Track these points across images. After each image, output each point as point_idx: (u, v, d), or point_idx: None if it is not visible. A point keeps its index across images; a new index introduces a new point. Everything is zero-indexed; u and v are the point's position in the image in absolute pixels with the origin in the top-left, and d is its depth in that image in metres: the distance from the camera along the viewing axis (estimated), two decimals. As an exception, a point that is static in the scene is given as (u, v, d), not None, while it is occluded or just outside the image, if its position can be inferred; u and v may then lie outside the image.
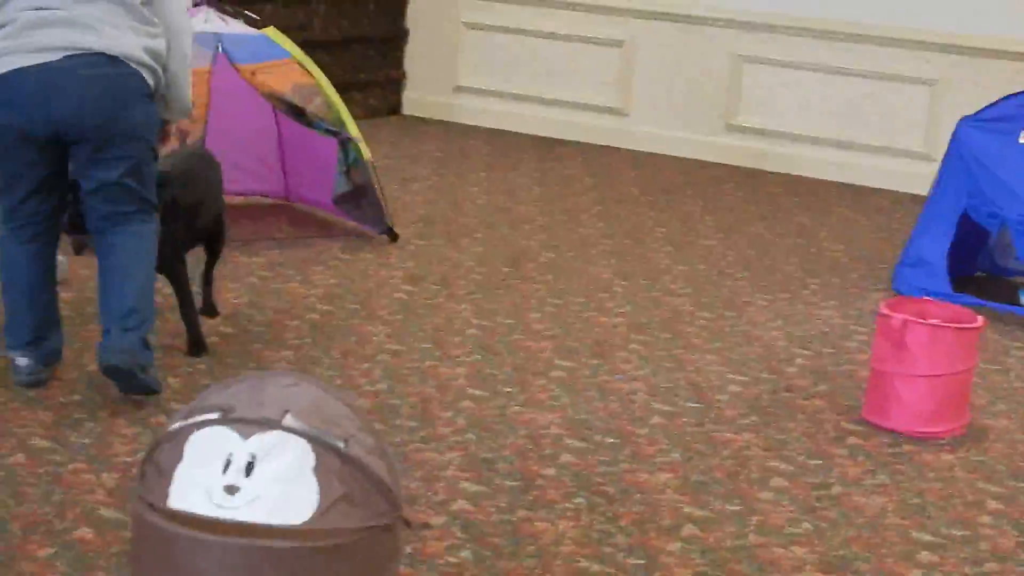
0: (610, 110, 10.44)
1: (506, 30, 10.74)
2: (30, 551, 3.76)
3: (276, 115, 7.27)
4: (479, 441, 4.75)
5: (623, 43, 10.35)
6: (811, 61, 9.62)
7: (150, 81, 4.74)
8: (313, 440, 3.05)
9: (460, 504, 4.24)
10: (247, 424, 3.06)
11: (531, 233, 7.58)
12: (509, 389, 5.24)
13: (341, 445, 3.07)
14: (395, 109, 11.21)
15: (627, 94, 10.37)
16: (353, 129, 7.11)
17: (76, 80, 4.57)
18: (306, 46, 10.32)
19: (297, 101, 7.03)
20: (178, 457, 3.09)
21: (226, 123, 6.88)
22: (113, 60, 4.62)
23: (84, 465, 4.34)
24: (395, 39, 11.17)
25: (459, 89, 11.02)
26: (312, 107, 7.06)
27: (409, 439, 4.72)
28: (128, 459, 4.36)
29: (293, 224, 7.36)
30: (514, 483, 4.42)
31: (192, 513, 3.00)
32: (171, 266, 5.25)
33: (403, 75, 11.24)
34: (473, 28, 10.89)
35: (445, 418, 4.92)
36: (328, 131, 7.07)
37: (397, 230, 7.29)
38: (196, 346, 5.36)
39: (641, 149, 10.15)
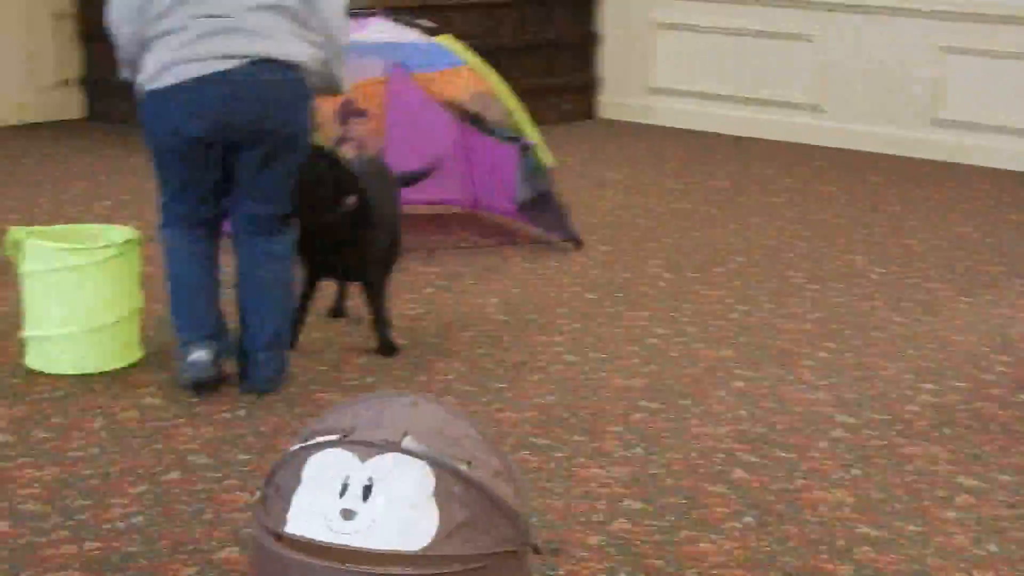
0: (805, 107, 10.10)
1: (699, 29, 10.50)
2: (174, 570, 3.68)
3: (458, 123, 7.10)
4: (647, 456, 4.52)
5: (813, 37, 9.99)
6: (1016, 50, 9.14)
7: (311, 87, 4.84)
8: (433, 462, 2.88)
9: (620, 523, 4.04)
10: (365, 447, 2.91)
11: (723, 236, 7.32)
12: (685, 401, 5.00)
13: (463, 467, 2.91)
14: (589, 113, 11.04)
15: (822, 90, 10.01)
16: (533, 135, 6.94)
17: (259, 86, 4.66)
18: (495, 52, 10.27)
19: (477, 108, 6.88)
20: (296, 481, 2.95)
21: (406, 133, 6.77)
22: (289, 66, 4.71)
23: (238, 482, 4.25)
24: (587, 43, 10.98)
25: (654, 91, 10.81)
26: (491, 114, 6.92)
27: (574, 453, 4.52)
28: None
29: (477, 233, 7.22)
30: (680, 501, 4.18)
31: (308, 539, 2.85)
32: (375, 274, 5.30)
33: (597, 79, 11.04)
34: (666, 28, 10.67)
35: (614, 432, 4.72)
36: (508, 138, 6.93)
37: (585, 237, 7.10)
38: (387, 348, 5.36)
39: (838, 146, 9.78)
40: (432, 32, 6.86)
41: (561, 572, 3.72)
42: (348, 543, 2.83)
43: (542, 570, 3.66)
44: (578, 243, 7.00)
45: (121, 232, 5.25)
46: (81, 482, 4.19)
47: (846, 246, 7.17)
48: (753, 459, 4.52)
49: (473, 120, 6.89)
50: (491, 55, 10.12)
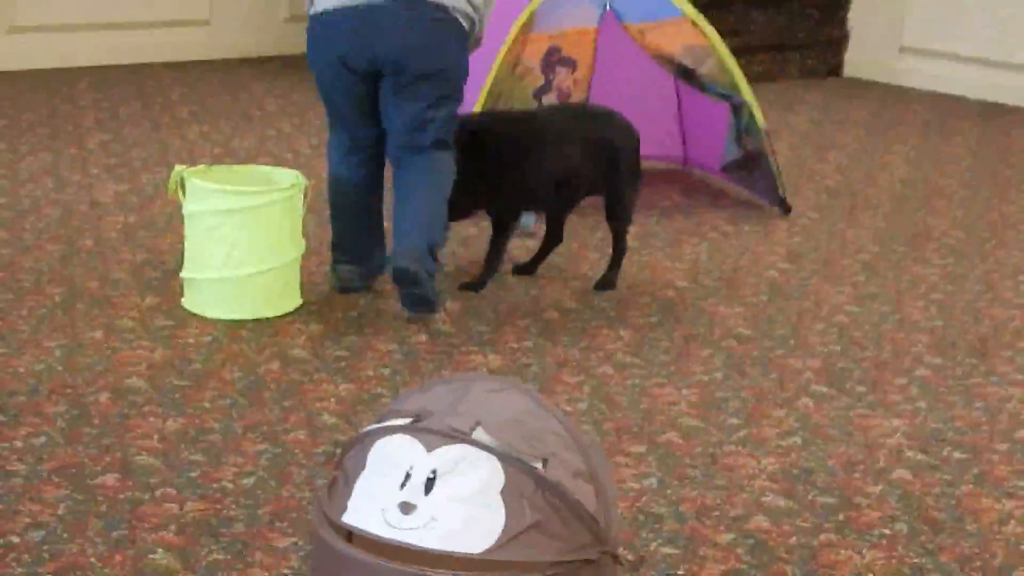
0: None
1: (957, -14, 9.90)
2: (271, 539, 3.50)
3: (670, 77, 6.78)
4: (804, 447, 4.19)
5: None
6: None
7: (466, 27, 4.95)
8: (504, 458, 2.62)
9: (757, 521, 3.73)
10: (432, 435, 2.66)
11: (945, 210, 6.86)
12: (861, 388, 4.65)
13: (538, 465, 2.64)
14: (835, 71, 10.55)
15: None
16: (747, 93, 6.58)
17: (400, 20, 4.81)
18: (739, 3, 9.91)
19: (688, 63, 6.55)
20: (361, 466, 2.73)
21: (613, 86, 6.47)
22: (437, 7, 4.86)
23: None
24: (838, -3, 10.48)
25: (904, 50, 10.27)
26: (704, 69, 6.57)
27: (726, 439, 4.20)
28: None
29: (683, 192, 6.91)
30: (829, 500, 3.86)
31: (361, 531, 2.63)
32: (502, 211, 5.29)
33: (846, 35, 10.55)
34: (923, -16, 10.10)
35: (775, 417, 4.39)
36: (721, 95, 6.57)
37: (796, 202, 6.74)
38: (473, 285, 5.35)
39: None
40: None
41: (680, 572, 3.43)
42: (403, 540, 2.59)
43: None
44: (786, 208, 6.64)
45: (287, 176, 5.09)
46: (202, 437, 4.04)
47: (1079, 228, 6.64)
48: (921, 458, 4.15)
49: (684, 75, 6.54)
50: (726, 5, 9.85)
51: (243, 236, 4.86)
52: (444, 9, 4.88)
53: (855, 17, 10.48)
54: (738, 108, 6.62)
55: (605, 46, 6.69)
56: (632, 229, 5.95)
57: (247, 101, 8.48)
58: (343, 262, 5.18)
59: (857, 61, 10.51)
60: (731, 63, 6.57)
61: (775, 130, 8.45)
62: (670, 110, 7.10)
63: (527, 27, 6.39)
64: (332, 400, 4.35)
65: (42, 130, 7.47)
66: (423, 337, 4.87)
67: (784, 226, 6.44)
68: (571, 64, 6.61)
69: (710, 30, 6.58)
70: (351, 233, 5.16)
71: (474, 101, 6.30)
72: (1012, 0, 9.64)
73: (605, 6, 6.56)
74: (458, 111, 5.04)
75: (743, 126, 6.67)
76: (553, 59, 6.55)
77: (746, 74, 9.98)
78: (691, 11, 6.57)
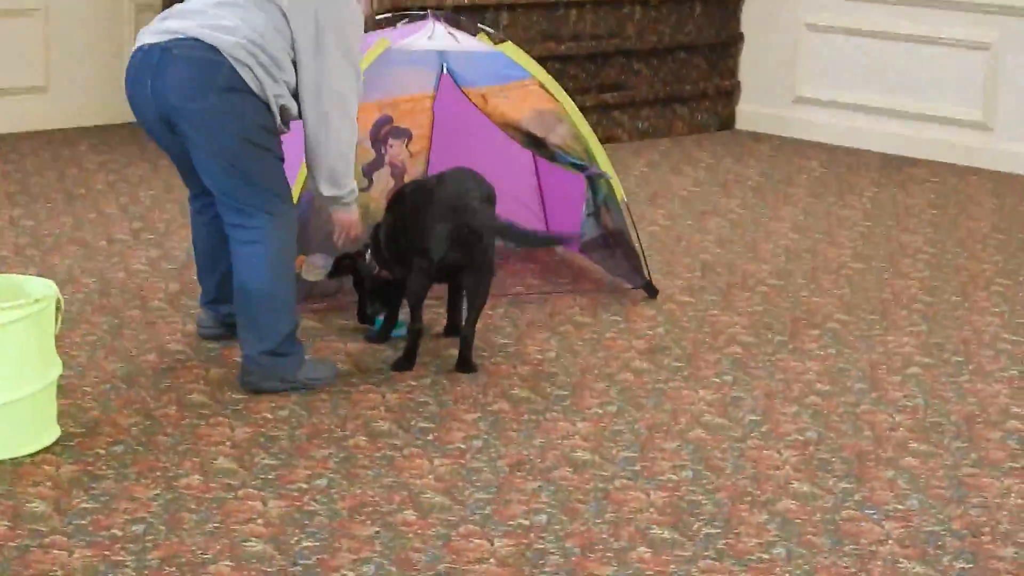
0: (971, 124, 8.75)
1: (853, 32, 9.24)
2: (353, 530, 3.77)
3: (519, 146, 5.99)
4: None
5: (990, 46, 8.64)
6: None
7: (244, 76, 4.54)
8: None
9: (785, 503, 4.00)
10: None
11: (831, 287, 6.12)
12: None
13: None
14: (726, 124, 9.82)
15: (992, 105, 8.65)
16: (604, 163, 5.82)
17: (171, 61, 4.55)
18: (620, 55, 9.16)
19: (537, 131, 5.76)
20: None
21: (457, 158, 5.62)
22: (210, 48, 4.52)
23: (419, 450, 4.28)
24: (727, 45, 9.76)
25: (799, 100, 9.56)
26: (555, 138, 5.80)
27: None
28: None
29: (542, 274, 6.10)
30: (847, 485, 4.12)
31: None
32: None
33: (736, 85, 9.82)
34: (816, 30, 9.43)
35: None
36: (574, 165, 5.80)
37: (665, 282, 5.97)
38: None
39: (1006, 170, 8.45)
40: (495, 39, 5.73)
41: (720, 544, 3.74)
42: None
43: None
44: (652, 292, 5.86)
45: (38, 287, 4.28)
46: (272, 444, 4.29)
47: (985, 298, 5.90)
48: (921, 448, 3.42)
49: (533, 144, 5.77)
50: (619, 57, 9.10)
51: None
52: (216, 51, 4.53)
53: (745, 66, 9.77)
54: (594, 180, 5.85)
55: (444, 114, 5.90)
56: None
57: (74, 178, 7.61)
58: (202, 307, 5.16)
59: (750, 113, 9.79)
60: (585, 129, 5.83)
61: (656, 194, 7.70)
62: (527, 181, 6.32)
63: (352, 95, 5.58)
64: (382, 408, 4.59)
65: None
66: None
67: (649, 313, 5.67)
68: (405, 135, 5.83)
69: (561, 93, 5.82)
70: (203, 280, 5.11)
71: (292, 181, 5.49)
72: (909, 47, 8.93)
73: (441, 69, 5.77)
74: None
75: (601, 200, 5.91)
76: (384, 131, 5.76)
77: (632, 131, 9.25)
78: (539, 72, 5.81)
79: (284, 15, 4.56)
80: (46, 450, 4.20)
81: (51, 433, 4.27)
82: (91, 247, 6.32)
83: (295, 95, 4.64)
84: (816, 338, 5.44)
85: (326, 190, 4.73)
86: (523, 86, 5.82)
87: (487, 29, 5.84)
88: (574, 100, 8.84)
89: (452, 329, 5.26)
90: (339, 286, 5.64)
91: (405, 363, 4.95)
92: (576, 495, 4.05)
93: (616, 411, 4.68)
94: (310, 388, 4.72)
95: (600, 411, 4.68)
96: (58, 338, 4.75)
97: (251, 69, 4.51)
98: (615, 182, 5.85)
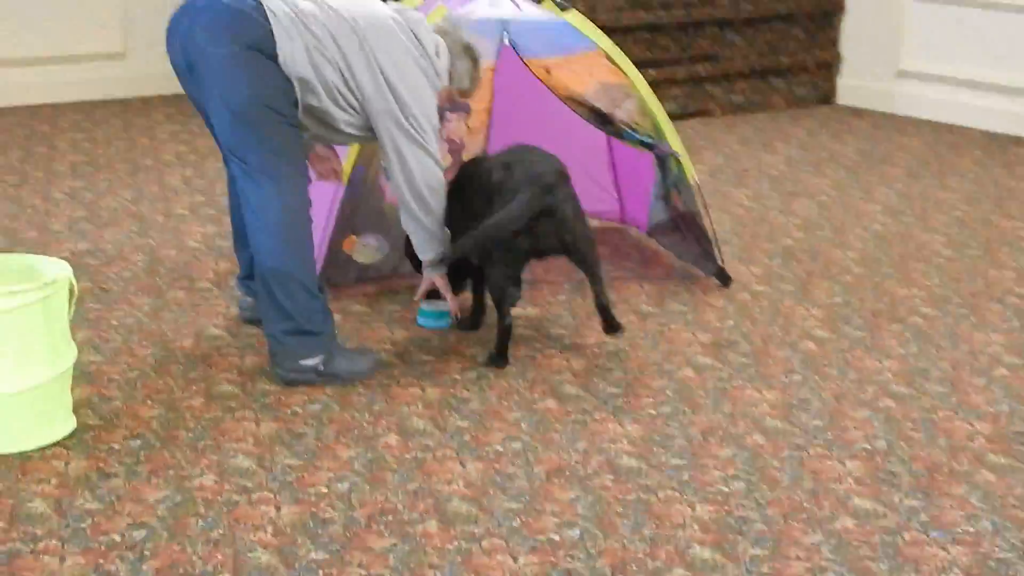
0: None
1: (961, 2, 8.74)
2: (369, 541, 3.51)
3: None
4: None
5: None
6: None
7: (282, 49, 4.27)
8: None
9: (843, 522, 3.66)
10: None
11: (921, 276, 5.73)
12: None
13: None
14: (826, 98, 9.38)
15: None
16: (675, 141, 5.45)
17: (214, 3, 4.30)
18: (712, 24, 8.76)
19: (603, 105, 5.41)
20: None
21: (519, 133, 5.29)
22: (259, 7, 4.29)
23: (452, 452, 3.99)
24: (829, 15, 9.30)
25: (902, 74, 9.09)
26: (622, 113, 5.44)
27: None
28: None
29: (611, 258, 5.73)
30: (914, 502, 3.76)
31: None
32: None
33: (837, 58, 9.37)
34: (922, 0, 8.91)
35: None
36: (642, 143, 5.43)
37: (741, 269, 5.61)
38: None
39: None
40: (563, 7, 5.39)
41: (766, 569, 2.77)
42: None
43: None
44: (725, 280, 5.50)
45: (51, 268, 4.02)
46: (296, 442, 4.05)
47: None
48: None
49: (599, 119, 5.41)
50: (703, 28, 8.71)
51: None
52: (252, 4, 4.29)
53: (847, 38, 9.31)
54: (664, 160, 5.49)
55: (505, 87, 5.57)
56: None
57: (143, 148, 7.40)
58: (237, 284, 4.92)
59: (851, 87, 9.35)
60: (654, 104, 5.46)
61: (744, 173, 7.32)
62: (599, 158, 5.99)
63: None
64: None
65: None
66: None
67: (719, 303, 5.32)
68: (463, 110, 5.49)
69: (629, 66, 5.47)
70: (238, 253, 4.86)
71: (341, 160, 5.22)
72: (1020, 18, 8.44)
73: (502, 39, 5.43)
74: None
75: (671, 181, 5.56)
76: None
77: (725, 105, 8.85)
78: (606, 43, 5.46)
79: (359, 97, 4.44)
80: (58, 443, 3.95)
81: (65, 425, 4.03)
82: (147, 222, 6.10)
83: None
84: (897, 334, 5.05)
85: (419, 254, 4.68)
86: (589, 58, 5.47)
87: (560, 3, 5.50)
88: (663, 72, 8.54)
89: (473, 323, 4.93)
90: (392, 268, 5.34)
91: (499, 359, 4.62)
92: (615, 507, 3.73)
93: (670, 412, 4.34)
94: (346, 381, 4.43)
95: (653, 412, 4.35)
96: (94, 320, 4.64)
97: (292, 47, 4.27)
98: (685, 161, 5.48)
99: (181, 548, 3.44)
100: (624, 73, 5.45)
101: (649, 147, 5.44)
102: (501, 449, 4.05)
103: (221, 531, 3.53)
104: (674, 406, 4.39)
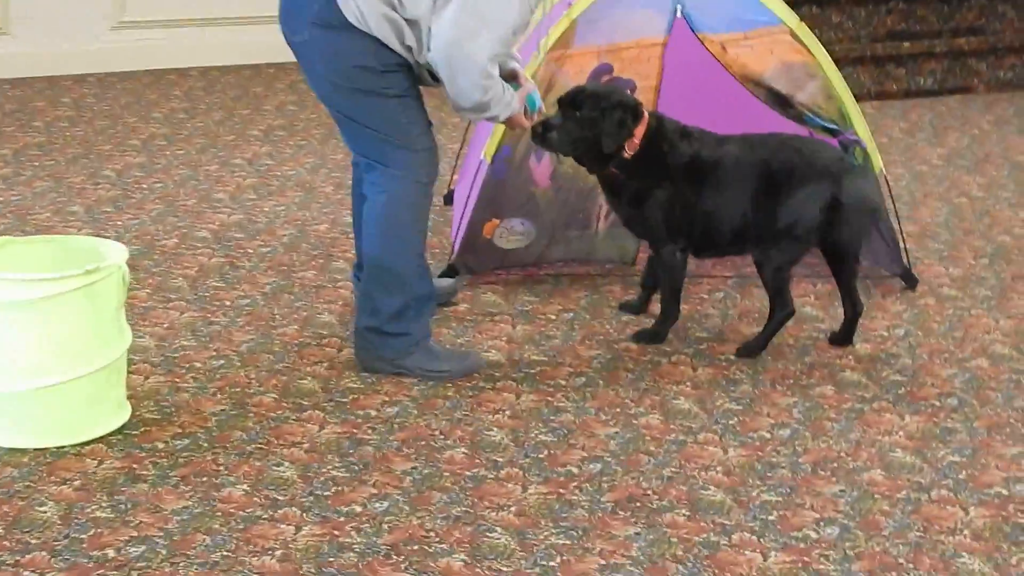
0: None
1: None
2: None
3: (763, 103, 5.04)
4: None
5: None
6: None
7: (343, 6, 3.74)
8: None
9: None
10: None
11: None
12: None
13: None
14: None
15: None
16: (861, 128, 4.83)
17: None
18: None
19: (783, 87, 4.83)
20: None
21: (689, 115, 4.74)
22: None
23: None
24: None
25: None
26: (804, 96, 4.85)
27: None
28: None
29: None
30: None
31: None
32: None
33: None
34: None
35: None
36: (825, 129, 4.82)
37: (942, 267, 4.98)
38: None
39: None
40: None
41: None
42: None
43: None
44: (911, 282, 4.85)
45: (113, 251, 3.71)
46: (340, 459, 3.66)
47: None
48: None
49: (778, 102, 4.83)
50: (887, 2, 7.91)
51: (28, 337, 3.52)
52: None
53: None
54: (847, 147, 4.86)
55: (675, 63, 5.01)
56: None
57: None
58: (353, 284, 4.48)
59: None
60: (841, 87, 4.84)
61: (986, 158, 6.58)
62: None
63: (566, 40, 4.82)
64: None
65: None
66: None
67: (897, 308, 4.69)
68: (628, 86, 4.96)
69: (815, 44, 4.86)
70: (356, 242, 4.35)
71: (486, 137, 4.81)
72: None
73: (675, 12, 4.88)
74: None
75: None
76: (603, 81, 4.93)
77: (991, 82, 8.02)
78: (791, 18, 4.86)
79: None
80: (101, 438, 3.64)
81: (117, 417, 3.73)
82: (313, 191, 5.79)
83: None
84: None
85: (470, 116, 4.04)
86: (771, 34, 4.89)
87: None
88: (918, 45, 7.79)
89: (640, 306, 4.51)
90: (538, 257, 4.90)
91: (757, 350, 4.27)
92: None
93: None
94: (428, 378, 4.01)
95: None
96: (208, 299, 4.39)
97: (357, 4, 3.76)
98: (872, 150, 4.84)
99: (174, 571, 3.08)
100: (809, 51, 4.85)
101: (833, 133, 4.82)
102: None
103: (200, 569, 3.10)
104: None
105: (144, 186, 5.83)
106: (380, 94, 3.85)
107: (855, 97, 6.82)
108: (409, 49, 3.82)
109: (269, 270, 4.92)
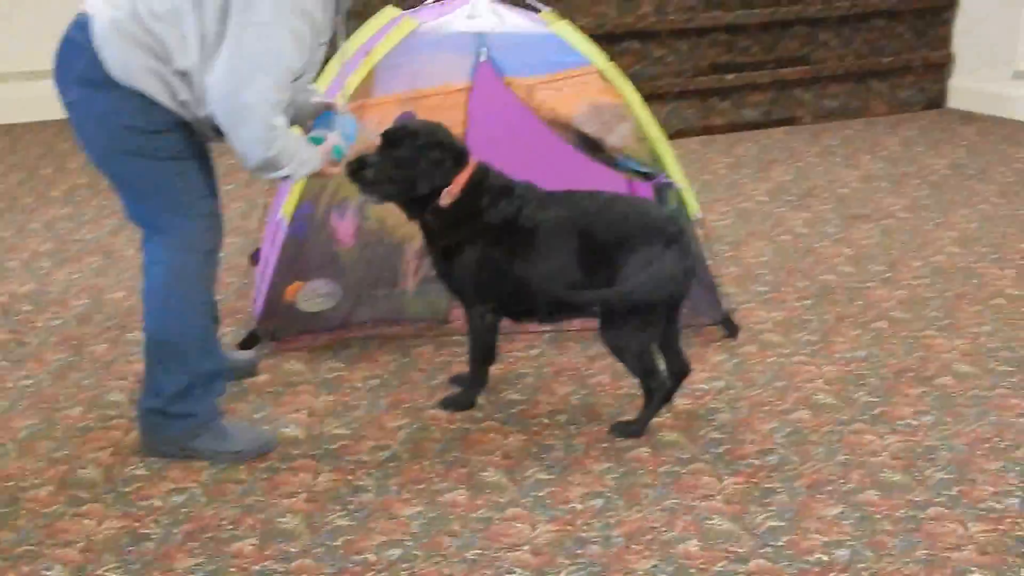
0: None
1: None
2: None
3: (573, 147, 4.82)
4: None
5: None
6: None
7: (108, 63, 3.44)
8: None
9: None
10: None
11: (970, 322, 4.77)
12: None
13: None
14: (935, 102, 8.38)
15: None
16: (675, 170, 4.63)
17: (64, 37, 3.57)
18: (801, 24, 7.84)
19: (593, 130, 4.61)
20: None
21: (493, 160, 4.49)
22: (82, 25, 3.48)
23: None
24: (939, 11, 8.30)
25: (1020, 75, 8.05)
26: (616, 138, 4.64)
27: None
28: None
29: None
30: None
31: None
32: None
33: (949, 58, 8.36)
34: (1041, -7, 7.91)
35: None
36: (638, 172, 4.62)
37: (764, 311, 4.79)
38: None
39: None
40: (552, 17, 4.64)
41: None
42: None
43: None
44: (731, 330, 4.66)
45: None
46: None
47: None
48: None
49: (587, 146, 4.61)
50: (791, 27, 7.79)
51: None
52: (84, 26, 3.48)
53: (961, 35, 8.29)
54: (662, 191, 4.66)
55: (481, 109, 4.78)
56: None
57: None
58: None
59: (963, 89, 8.35)
60: (652, 128, 4.64)
61: (811, 190, 6.46)
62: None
63: (366, 88, 4.57)
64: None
65: None
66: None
67: (718, 358, 4.49)
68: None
69: (623, 83, 4.67)
70: None
71: (286, 193, 4.54)
72: None
73: (479, 55, 4.65)
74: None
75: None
76: (404, 130, 4.67)
77: (816, 111, 7.93)
78: (599, 59, 4.66)
79: None
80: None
81: None
82: (113, 256, 5.50)
83: None
84: (913, 401, 4.15)
85: (262, 175, 3.63)
86: (579, 75, 4.67)
87: (540, 6, 4.74)
88: (742, 77, 7.66)
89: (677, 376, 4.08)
90: (343, 319, 4.62)
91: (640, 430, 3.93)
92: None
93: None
94: (219, 461, 3.73)
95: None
96: None
97: (119, 53, 3.44)
98: (687, 193, 4.66)
99: None
100: (619, 92, 4.64)
101: (647, 176, 4.63)
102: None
103: None
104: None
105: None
106: (152, 156, 3.55)
107: (680, 133, 6.70)
108: (183, 104, 3.53)
109: (58, 345, 4.60)
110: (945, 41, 8.35)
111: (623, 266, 3.82)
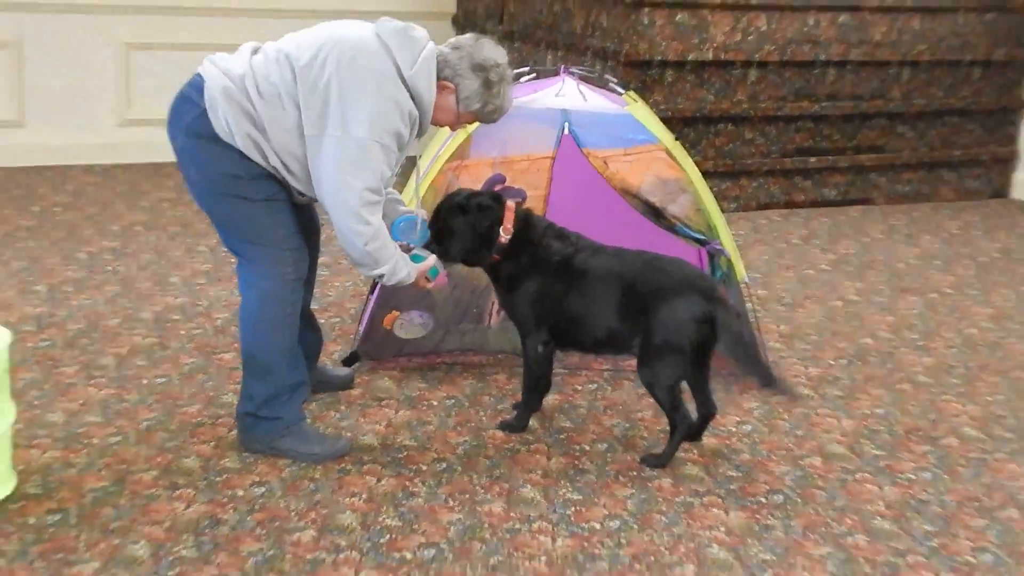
0: None
1: None
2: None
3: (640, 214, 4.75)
4: None
5: None
6: None
7: (213, 121, 3.50)
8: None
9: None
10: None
11: (985, 390, 4.59)
12: None
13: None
14: (1000, 192, 8.11)
15: None
16: (726, 239, 4.54)
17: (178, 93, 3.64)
18: (881, 116, 7.66)
19: (657, 199, 4.55)
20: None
21: (571, 220, 4.45)
22: (196, 86, 3.55)
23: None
24: (1008, 111, 8.04)
25: (1078, 173, 7.77)
26: (676, 207, 4.56)
27: None
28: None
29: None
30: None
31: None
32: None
33: (1015, 154, 8.10)
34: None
35: None
36: (694, 239, 4.54)
37: (802, 366, 4.67)
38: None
39: None
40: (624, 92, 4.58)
41: None
42: None
43: None
44: (787, 395, 4.46)
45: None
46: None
47: None
48: None
49: (651, 213, 4.55)
50: (871, 119, 7.62)
51: None
52: (198, 88, 3.56)
53: (1026, 134, 8.03)
54: (714, 256, 4.58)
55: (563, 175, 4.75)
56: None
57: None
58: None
59: (1026, 182, 8.06)
60: (709, 201, 4.57)
61: (869, 263, 6.28)
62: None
63: (462, 151, 4.57)
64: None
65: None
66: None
67: (750, 405, 4.36)
68: (519, 196, 4.68)
69: (687, 161, 4.60)
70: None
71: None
72: None
73: (563, 129, 4.62)
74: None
75: (720, 278, 4.61)
76: (496, 191, 4.65)
77: (889, 194, 7.73)
78: (667, 138, 4.60)
79: (295, 77, 3.52)
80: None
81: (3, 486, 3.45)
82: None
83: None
84: (918, 457, 3.99)
85: (363, 271, 3.69)
86: (648, 151, 4.61)
87: (615, 85, 4.68)
88: (826, 159, 7.51)
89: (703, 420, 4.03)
90: (434, 347, 4.61)
91: (661, 462, 3.86)
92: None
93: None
94: (300, 460, 3.75)
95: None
96: (129, 377, 4.19)
97: (223, 115, 3.50)
98: (736, 260, 4.55)
99: None
100: (681, 168, 4.57)
101: (701, 243, 4.54)
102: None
103: None
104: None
105: (109, 268, 5.58)
106: (247, 199, 3.59)
107: (765, 206, 6.58)
108: (275, 168, 3.58)
109: (193, 351, 4.65)
110: (1012, 139, 8.08)
111: (656, 311, 3.77)
